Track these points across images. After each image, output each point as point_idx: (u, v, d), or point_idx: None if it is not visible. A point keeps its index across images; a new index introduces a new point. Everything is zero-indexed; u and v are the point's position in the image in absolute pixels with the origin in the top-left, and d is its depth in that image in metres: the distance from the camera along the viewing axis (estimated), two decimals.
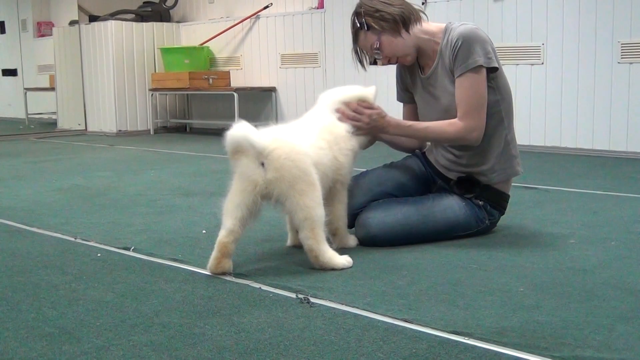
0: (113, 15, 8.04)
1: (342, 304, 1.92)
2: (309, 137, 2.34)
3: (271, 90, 7.36)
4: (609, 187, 3.77)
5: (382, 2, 2.57)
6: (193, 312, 1.88)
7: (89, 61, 7.99)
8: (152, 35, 8.02)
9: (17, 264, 2.43)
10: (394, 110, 2.82)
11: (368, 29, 2.57)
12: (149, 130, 7.98)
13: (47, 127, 8.74)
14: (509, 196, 2.71)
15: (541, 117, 5.50)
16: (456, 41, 2.51)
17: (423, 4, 5.84)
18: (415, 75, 2.71)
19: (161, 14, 8.33)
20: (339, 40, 6.61)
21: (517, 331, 1.69)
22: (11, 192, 3.97)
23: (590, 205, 3.28)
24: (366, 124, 2.51)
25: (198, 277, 2.22)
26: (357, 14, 2.59)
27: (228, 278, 2.19)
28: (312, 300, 1.96)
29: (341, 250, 2.36)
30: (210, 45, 7.91)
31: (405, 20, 2.56)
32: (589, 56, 5.19)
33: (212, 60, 8.00)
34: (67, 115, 8.45)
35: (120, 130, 7.79)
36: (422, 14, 2.63)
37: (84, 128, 8.16)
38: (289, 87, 7.19)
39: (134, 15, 8.22)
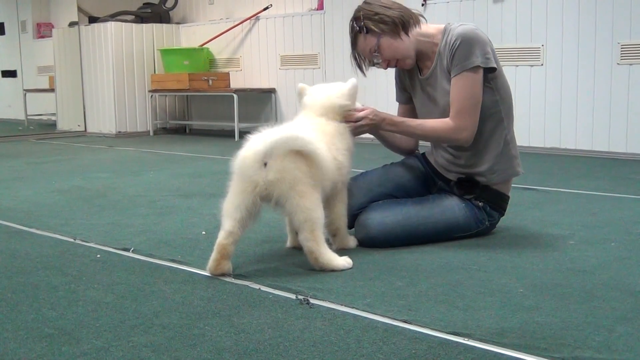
0: (113, 17, 8.04)
1: (342, 305, 1.92)
2: (313, 136, 2.34)
3: (271, 91, 7.36)
4: (609, 188, 3.78)
5: (381, 5, 2.58)
6: (192, 313, 1.88)
7: (89, 62, 8.00)
8: (152, 36, 8.02)
9: (17, 265, 2.43)
10: (394, 110, 2.83)
11: (367, 32, 2.57)
12: (149, 131, 7.98)
13: (46, 128, 8.74)
14: (508, 197, 2.71)
15: (541, 118, 5.50)
16: (454, 41, 2.51)
17: (423, 5, 5.85)
18: (413, 77, 2.72)
19: (161, 15, 8.33)
20: (339, 41, 6.61)
21: (516, 332, 1.69)
22: (11, 193, 3.97)
23: (589, 206, 3.28)
24: (367, 125, 2.53)
25: (197, 278, 2.22)
26: (355, 18, 2.60)
27: (227, 279, 2.19)
28: (312, 301, 1.96)
29: (341, 252, 2.36)
30: (210, 46, 7.91)
31: (405, 23, 2.56)
32: (589, 57, 5.19)
33: (211, 62, 8.00)
34: (66, 117, 8.45)
35: (119, 132, 7.79)
36: (421, 18, 2.63)
37: (83, 129, 8.16)
38: (289, 89, 7.19)
39: (133, 17, 8.23)
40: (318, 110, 2.49)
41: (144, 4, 8.48)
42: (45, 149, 6.63)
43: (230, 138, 7.13)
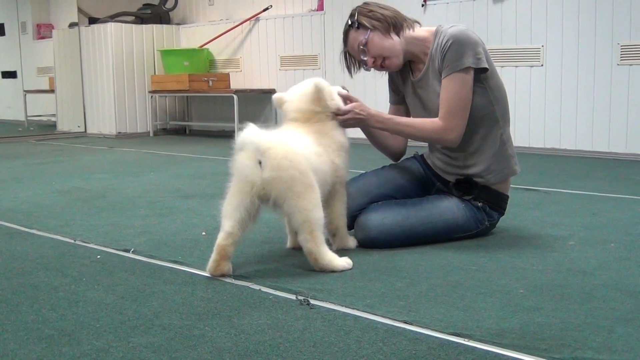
0: (113, 18, 8.04)
1: (342, 306, 1.92)
2: (306, 143, 2.33)
3: (271, 92, 7.35)
4: (608, 189, 3.78)
5: (377, 5, 2.61)
6: (193, 314, 1.88)
7: (89, 63, 8.00)
8: (152, 37, 8.02)
9: (17, 266, 2.43)
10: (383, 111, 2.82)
11: (359, 27, 2.59)
12: (149, 132, 7.98)
13: (46, 129, 8.74)
14: (508, 197, 2.71)
15: (541, 118, 5.50)
16: (446, 42, 2.51)
17: (423, 5, 5.85)
18: (406, 78, 2.72)
19: (161, 16, 8.34)
20: (339, 42, 6.58)
21: (516, 333, 1.69)
22: (11, 194, 3.97)
23: (589, 207, 3.28)
24: (353, 119, 2.51)
25: (198, 279, 2.22)
26: (350, 15, 2.63)
27: (228, 280, 2.19)
28: (312, 302, 1.96)
29: (340, 252, 2.36)
30: (210, 47, 7.92)
31: (397, 24, 2.58)
32: (589, 58, 5.19)
33: (211, 63, 8.00)
34: (66, 118, 8.45)
35: (119, 133, 7.79)
36: (416, 24, 2.64)
37: (83, 130, 8.16)
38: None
39: (133, 18, 8.23)
40: (299, 117, 2.44)
41: (143, 4, 8.49)
42: (45, 150, 6.63)
43: (230, 139, 7.11)
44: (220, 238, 2.20)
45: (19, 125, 9.23)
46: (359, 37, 2.59)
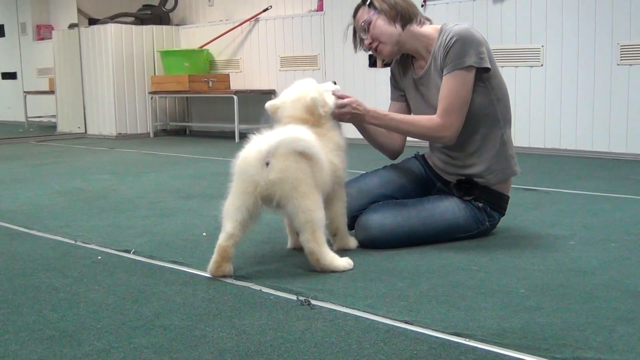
0: (113, 19, 8.05)
1: (343, 306, 1.92)
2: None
3: (271, 92, 7.35)
4: (609, 189, 3.78)
5: None
6: (194, 315, 1.88)
7: (89, 64, 8.00)
8: (152, 38, 8.02)
9: (18, 266, 2.43)
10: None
11: (369, 5, 2.61)
12: (149, 133, 7.98)
13: (46, 130, 8.74)
14: (508, 198, 2.71)
15: (541, 119, 5.50)
16: (450, 39, 2.51)
17: (423, 5, 5.85)
18: (408, 75, 2.72)
19: (161, 17, 8.34)
20: (339, 42, 6.61)
21: (517, 333, 1.69)
22: (11, 195, 3.97)
23: (590, 207, 3.28)
24: (349, 113, 2.50)
25: (198, 280, 2.22)
26: None
27: (228, 280, 2.19)
28: (313, 302, 1.96)
29: (341, 253, 2.36)
30: (210, 48, 7.92)
31: (405, 16, 2.58)
32: (589, 58, 5.19)
33: (211, 63, 8.00)
34: (66, 119, 8.45)
35: (120, 133, 7.79)
36: (427, 22, 2.65)
37: (83, 131, 8.16)
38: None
39: (133, 19, 8.23)
40: (294, 122, 2.40)
41: (143, 5, 8.49)
42: (45, 151, 6.63)
43: (231, 139, 7.13)
44: (222, 239, 2.19)
45: (19, 127, 9.23)
46: (365, 15, 2.61)
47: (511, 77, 5.49)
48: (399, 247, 2.53)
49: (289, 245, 2.57)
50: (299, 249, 2.40)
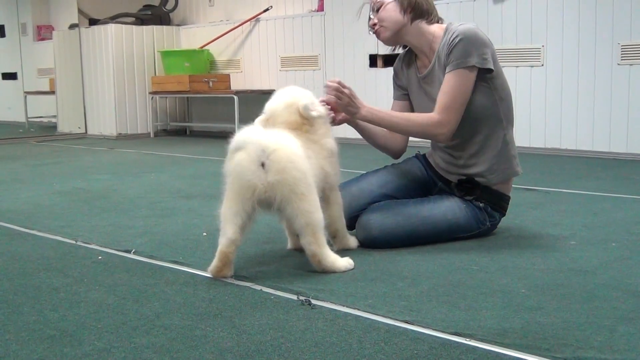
0: (113, 19, 8.05)
1: (344, 306, 1.92)
2: (298, 145, 2.28)
3: (271, 93, 7.32)
4: (610, 189, 3.78)
5: None
6: (194, 314, 1.88)
7: (89, 64, 8.00)
8: (152, 38, 8.03)
9: (18, 266, 2.43)
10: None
11: None
12: (149, 133, 7.99)
13: (47, 130, 8.74)
14: (509, 198, 2.71)
15: (541, 118, 5.50)
16: (454, 38, 2.51)
17: None
18: (412, 74, 2.72)
19: (161, 17, 8.34)
20: (339, 42, 6.61)
21: (518, 332, 1.69)
22: (11, 195, 3.97)
23: (590, 207, 3.28)
24: (346, 100, 2.47)
25: (199, 280, 2.22)
26: None
27: (229, 280, 2.19)
28: (314, 302, 1.95)
29: (342, 252, 2.36)
30: (211, 48, 7.92)
31: (417, 9, 2.59)
32: (589, 58, 5.19)
33: (212, 63, 8.00)
34: (67, 119, 8.46)
35: (120, 134, 7.79)
36: (439, 20, 2.66)
37: (84, 131, 8.16)
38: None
39: (134, 19, 8.23)
40: (290, 126, 2.38)
41: (144, 5, 8.49)
42: (45, 151, 6.63)
43: (231, 140, 7.12)
44: (223, 245, 2.16)
45: (19, 127, 9.24)
46: None
47: (512, 77, 5.49)
48: (400, 246, 2.53)
49: (289, 245, 2.57)
50: (299, 250, 2.40)
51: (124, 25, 7.84)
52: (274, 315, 1.86)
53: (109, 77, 7.75)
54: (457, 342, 1.64)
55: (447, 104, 2.50)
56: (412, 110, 2.76)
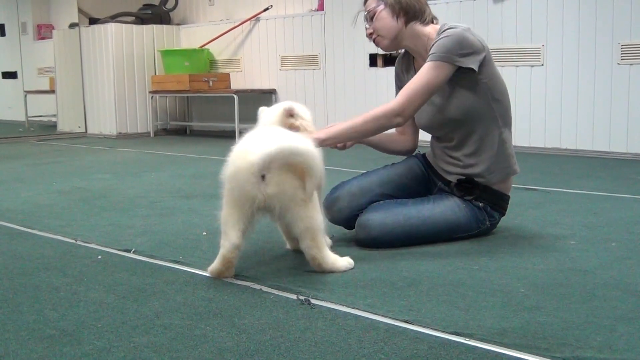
0: (113, 18, 8.05)
1: (343, 305, 1.92)
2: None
3: (271, 92, 7.36)
4: (610, 188, 3.78)
5: None
6: (194, 314, 1.88)
7: (89, 64, 8.00)
8: (152, 37, 8.02)
9: (18, 266, 2.43)
10: None
11: None
12: (149, 132, 7.98)
13: (47, 129, 8.74)
14: (509, 197, 2.71)
15: (541, 118, 5.50)
16: (442, 36, 2.50)
17: None
18: (411, 75, 2.72)
19: (161, 17, 8.34)
20: (339, 42, 6.61)
21: (518, 332, 1.69)
22: (11, 195, 3.98)
23: (590, 207, 3.28)
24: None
25: (199, 279, 2.22)
26: None
27: (229, 280, 2.19)
28: (313, 301, 1.96)
29: (342, 252, 2.36)
30: (210, 47, 7.92)
31: (409, 11, 2.58)
32: (589, 57, 5.19)
33: (212, 63, 8.00)
34: (67, 118, 8.46)
35: (120, 133, 7.79)
36: (434, 20, 2.65)
37: (84, 130, 8.16)
38: (289, 89, 7.19)
39: (134, 18, 8.23)
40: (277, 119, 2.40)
41: (144, 5, 8.49)
42: (45, 151, 6.63)
43: (231, 139, 7.12)
44: (227, 250, 2.14)
45: (19, 126, 9.24)
46: (373, 3, 2.63)
47: (512, 76, 5.49)
48: (400, 246, 2.53)
49: (288, 246, 2.56)
50: (298, 250, 2.39)
51: (124, 25, 7.84)
52: (274, 314, 1.86)
53: (109, 76, 7.75)
54: (457, 342, 1.65)
55: (406, 91, 2.47)
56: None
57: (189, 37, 8.20)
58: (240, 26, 7.63)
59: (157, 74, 8.00)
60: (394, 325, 1.77)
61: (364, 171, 2.81)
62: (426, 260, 2.37)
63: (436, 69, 2.46)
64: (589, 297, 1.95)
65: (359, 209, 2.61)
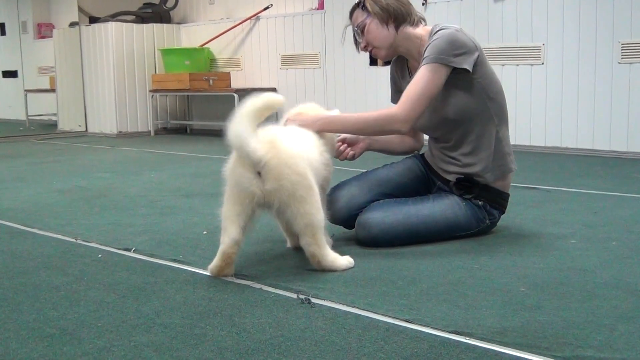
0: (113, 17, 8.05)
1: (343, 304, 1.92)
2: (298, 134, 2.33)
3: (271, 91, 7.35)
4: (610, 187, 3.77)
5: None
6: (194, 313, 1.88)
7: (89, 63, 8.00)
8: (153, 36, 8.02)
9: (18, 265, 2.44)
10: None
11: (363, 8, 2.61)
12: (150, 131, 7.98)
13: (47, 128, 8.74)
14: (508, 195, 2.71)
15: (541, 117, 5.50)
16: (434, 37, 2.50)
17: (423, 4, 5.85)
18: (405, 77, 2.73)
19: (161, 15, 8.34)
20: (339, 41, 6.60)
21: (518, 331, 1.69)
22: (12, 194, 3.98)
23: (590, 205, 3.28)
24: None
25: (199, 278, 2.22)
26: None
27: (229, 279, 2.19)
28: (313, 300, 1.96)
29: (342, 251, 2.36)
30: (211, 46, 7.92)
31: (398, 17, 2.58)
32: (590, 56, 5.19)
33: (212, 62, 8.00)
34: (67, 117, 8.46)
35: (120, 132, 7.80)
36: (422, 21, 2.64)
37: (84, 129, 8.16)
38: (290, 88, 7.19)
39: (134, 17, 8.23)
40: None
41: (144, 4, 8.49)
42: (46, 149, 6.63)
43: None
44: (226, 245, 2.15)
45: (20, 125, 9.24)
46: (360, 17, 2.62)
47: (512, 75, 5.49)
48: (400, 245, 2.53)
49: (289, 244, 2.56)
50: (298, 248, 2.39)
51: (124, 24, 7.84)
52: (274, 313, 1.86)
53: (109, 75, 7.75)
54: (457, 341, 1.65)
55: (408, 96, 2.48)
56: None
57: (189, 36, 8.20)
58: (241, 25, 7.63)
59: (157, 72, 8.00)
60: (394, 324, 1.77)
61: (364, 171, 2.81)
62: (426, 259, 2.37)
63: (433, 72, 2.47)
64: (589, 296, 1.95)
65: (358, 208, 2.61)
